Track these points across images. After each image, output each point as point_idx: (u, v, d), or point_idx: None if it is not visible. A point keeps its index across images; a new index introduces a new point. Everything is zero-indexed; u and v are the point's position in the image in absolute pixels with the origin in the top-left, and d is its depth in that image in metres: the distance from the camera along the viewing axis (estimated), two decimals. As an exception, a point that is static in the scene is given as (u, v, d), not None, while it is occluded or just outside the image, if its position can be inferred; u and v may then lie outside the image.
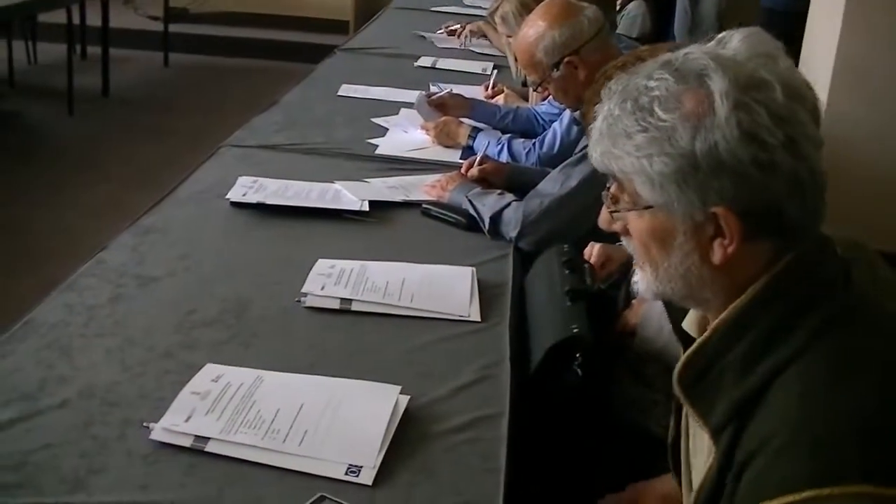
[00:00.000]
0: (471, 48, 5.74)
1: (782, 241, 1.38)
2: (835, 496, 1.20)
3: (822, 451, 1.24)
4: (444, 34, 5.89)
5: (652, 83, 1.37)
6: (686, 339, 1.55)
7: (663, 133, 1.34)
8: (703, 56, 1.37)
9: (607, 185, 1.49)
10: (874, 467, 1.22)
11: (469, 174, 3.21)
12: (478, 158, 3.28)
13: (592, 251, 2.61)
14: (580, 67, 3.00)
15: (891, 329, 1.37)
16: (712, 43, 1.43)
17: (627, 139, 1.37)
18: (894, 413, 1.26)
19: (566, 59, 3.00)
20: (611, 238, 2.49)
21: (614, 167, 1.41)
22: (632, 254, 1.50)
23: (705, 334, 1.43)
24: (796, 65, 1.41)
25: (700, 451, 1.52)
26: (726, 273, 1.39)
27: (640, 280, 1.50)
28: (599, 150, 1.43)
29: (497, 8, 4.28)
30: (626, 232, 1.48)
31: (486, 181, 3.18)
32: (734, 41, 1.41)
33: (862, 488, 1.21)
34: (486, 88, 4.63)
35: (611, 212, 1.48)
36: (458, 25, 5.91)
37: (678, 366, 1.45)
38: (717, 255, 1.37)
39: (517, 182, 3.21)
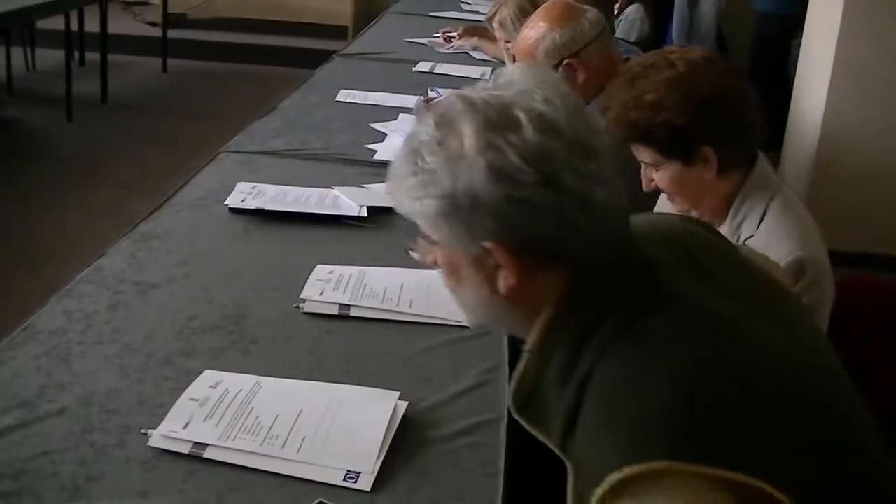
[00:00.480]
0: (467, 51, 5.74)
1: (571, 269, 1.43)
2: (637, 475, 1.25)
3: (624, 435, 1.29)
4: (441, 40, 5.88)
5: (422, 128, 1.44)
6: None
7: (429, 176, 1.40)
8: (458, 100, 1.42)
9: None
10: (672, 443, 1.26)
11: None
12: None
13: None
14: (580, 70, 3.01)
15: (689, 328, 1.40)
16: (489, 81, 1.49)
17: (402, 182, 1.44)
18: (689, 399, 1.30)
19: (566, 62, 3.01)
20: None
21: (401, 209, 1.48)
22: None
23: (523, 361, 1.48)
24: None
25: None
26: (522, 302, 1.46)
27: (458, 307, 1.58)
28: (387, 190, 1.52)
29: (495, 13, 4.28)
30: (434, 265, 1.55)
31: None
32: (513, 75, 1.47)
33: (662, 465, 1.24)
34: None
35: (425, 248, 1.53)
36: (455, 32, 5.90)
37: (511, 391, 1.50)
38: (501, 286, 1.43)
39: None
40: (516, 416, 1.50)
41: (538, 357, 1.45)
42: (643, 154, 2.29)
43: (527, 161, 1.36)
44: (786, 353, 1.44)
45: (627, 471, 1.25)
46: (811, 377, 1.45)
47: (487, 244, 1.40)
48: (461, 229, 1.41)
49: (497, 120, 1.38)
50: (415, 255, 1.59)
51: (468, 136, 1.38)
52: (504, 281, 1.43)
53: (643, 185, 2.33)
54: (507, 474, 1.84)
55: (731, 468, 1.24)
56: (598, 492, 1.28)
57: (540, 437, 1.47)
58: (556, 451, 1.44)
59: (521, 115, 1.38)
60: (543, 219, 1.37)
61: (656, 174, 2.30)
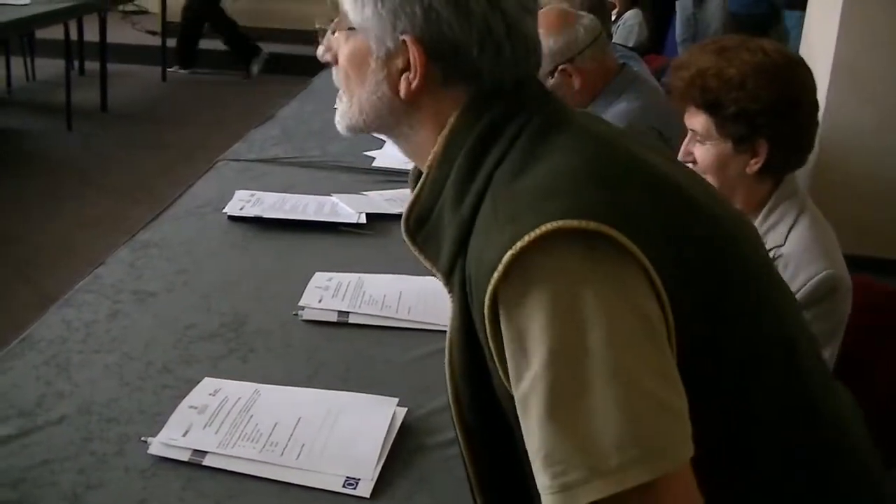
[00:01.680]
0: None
1: (475, 89, 1.41)
2: (540, 235, 1.21)
3: (511, 220, 1.25)
4: None
5: None
6: None
7: None
8: None
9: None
10: (564, 207, 1.23)
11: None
12: None
13: None
14: (575, 75, 3.01)
15: (581, 126, 1.42)
16: None
17: None
18: (578, 168, 1.30)
19: (561, 68, 3.01)
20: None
21: None
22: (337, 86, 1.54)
23: (421, 179, 1.44)
24: None
25: None
26: (419, 109, 1.44)
27: (337, 115, 1.56)
28: None
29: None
30: (335, 59, 1.51)
31: None
32: None
33: (556, 224, 1.21)
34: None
35: (330, 32, 1.52)
36: None
37: (403, 215, 1.46)
38: (402, 89, 1.42)
39: None
40: (406, 240, 1.46)
41: (436, 174, 1.41)
42: (697, 122, 2.27)
43: None
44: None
45: (519, 244, 1.21)
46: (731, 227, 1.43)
47: (406, 37, 1.38)
48: (387, 13, 1.39)
49: None
50: (319, 51, 1.56)
51: None
52: (407, 84, 1.41)
53: (680, 156, 2.30)
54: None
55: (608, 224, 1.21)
56: (489, 288, 1.24)
57: (427, 263, 1.45)
58: (441, 279, 1.41)
59: None
60: (471, 28, 1.37)
61: (700, 148, 2.28)
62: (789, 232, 2.25)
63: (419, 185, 1.44)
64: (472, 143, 1.38)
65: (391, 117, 1.47)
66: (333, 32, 1.51)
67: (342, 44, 1.48)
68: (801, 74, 2.26)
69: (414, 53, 1.39)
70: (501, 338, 1.26)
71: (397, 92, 1.43)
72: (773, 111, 2.18)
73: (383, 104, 1.45)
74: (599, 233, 1.20)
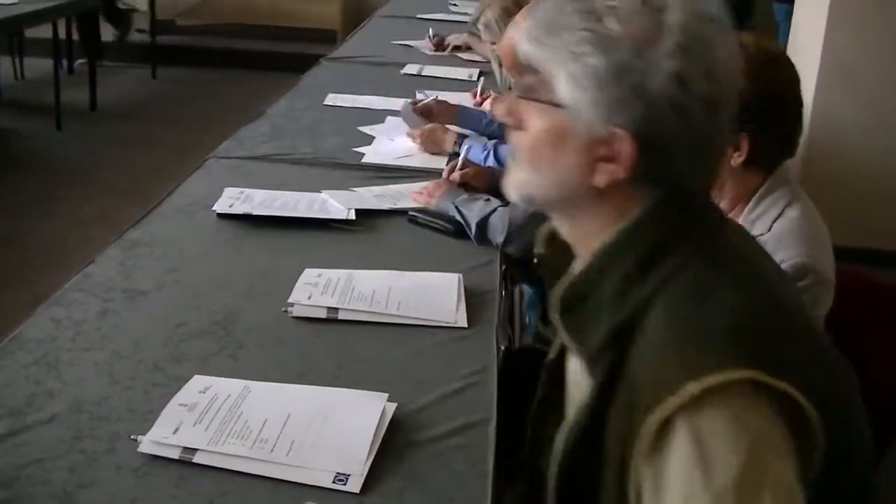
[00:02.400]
0: (457, 55, 5.76)
1: (665, 194, 1.41)
2: (720, 384, 1.23)
3: (696, 348, 1.27)
4: (427, 44, 5.90)
5: None
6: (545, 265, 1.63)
7: (604, 40, 1.34)
8: None
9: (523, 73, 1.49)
10: (752, 355, 1.26)
11: (451, 179, 3.22)
12: (459, 163, 3.29)
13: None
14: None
15: (747, 263, 1.44)
16: None
17: (567, 33, 1.37)
18: (757, 312, 1.33)
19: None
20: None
21: (540, 56, 1.41)
22: (513, 148, 1.52)
23: (587, 261, 1.45)
24: None
25: (573, 397, 1.54)
26: (605, 199, 1.43)
27: (511, 179, 1.53)
28: (531, 36, 1.42)
29: (480, 15, 4.30)
30: (520, 125, 1.48)
31: (468, 185, 3.19)
32: None
33: (745, 373, 1.24)
34: (475, 96, 4.64)
35: (519, 97, 1.47)
36: (450, 38, 5.92)
37: (558, 292, 1.47)
38: (601, 178, 1.40)
39: (501, 186, 3.22)
40: (555, 314, 1.47)
41: (602, 263, 1.42)
42: None
43: (707, 79, 1.35)
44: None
45: (710, 380, 1.24)
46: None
47: (621, 130, 1.36)
48: (606, 102, 1.36)
49: (700, 31, 1.36)
50: (495, 104, 1.53)
51: (671, 28, 1.35)
52: (607, 175, 1.39)
53: None
54: (495, 475, 1.85)
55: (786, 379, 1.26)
56: (664, 408, 1.26)
57: (571, 342, 1.45)
58: (583, 360, 1.42)
59: (719, 42, 1.38)
60: (683, 133, 1.36)
61: None
62: (775, 220, 2.26)
63: (582, 269, 1.45)
64: (648, 247, 1.39)
65: (573, 200, 1.46)
66: (524, 97, 1.47)
67: (537, 115, 1.44)
68: (782, 69, 2.26)
69: (626, 148, 1.37)
70: (647, 444, 1.29)
71: (590, 177, 1.41)
72: (755, 108, 2.17)
73: (571, 187, 1.44)
74: (784, 393, 1.26)
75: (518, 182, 1.52)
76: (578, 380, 1.51)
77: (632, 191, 1.41)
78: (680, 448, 1.25)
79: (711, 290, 1.34)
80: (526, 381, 2.33)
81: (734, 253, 1.44)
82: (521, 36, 1.44)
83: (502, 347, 2.34)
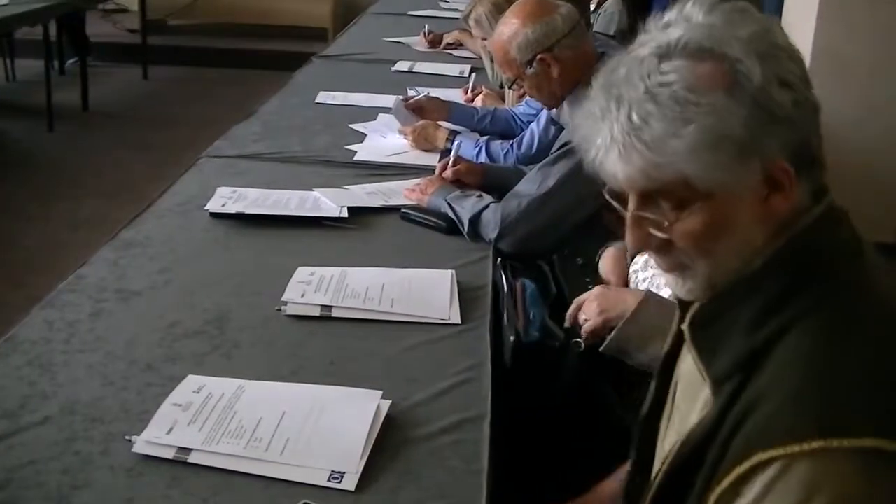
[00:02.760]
0: (449, 52, 5.77)
1: (812, 180, 1.38)
2: (843, 449, 1.20)
3: (831, 403, 1.23)
4: (422, 41, 5.90)
5: (668, 76, 1.31)
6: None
7: (711, 115, 1.29)
8: (692, 32, 1.34)
9: (629, 210, 1.40)
10: (883, 422, 1.22)
11: (443, 175, 3.22)
12: (451, 159, 3.29)
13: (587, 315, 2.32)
14: (553, 65, 3.00)
15: (889, 300, 1.37)
16: (677, 25, 1.38)
17: (675, 138, 1.29)
18: (889, 384, 1.26)
19: (539, 57, 3.00)
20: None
21: (660, 176, 1.33)
22: (670, 264, 1.44)
23: (728, 283, 1.39)
24: None
25: (679, 419, 1.51)
26: (773, 225, 1.37)
27: (682, 283, 1.44)
28: (636, 167, 1.33)
29: (471, 11, 4.30)
30: (665, 245, 1.40)
31: (460, 182, 3.19)
32: (698, 14, 1.38)
33: (871, 442, 1.20)
34: (466, 92, 4.64)
35: (658, 227, 1.38)
36: (444, 36, 5.93)
37: (693, 310, 1.45)
38: (780, 209, 1.35)
39: (493, 182, 3.23)
40: (686, 330, 1.44)
41: (745, 287, 1.36)
42: None
43: (793, 62, 1.34)
44: None
45: (835, 443, 1.19)
46: None
47: (774, 164, 1.31)
48: (755, 158, 1.30)
49: (751, 35, 1.33)
50: (632, 245, 1.44)
51: (740, 55, 1.30)
52: (783, 202, 1.34)
53: None
54: (490, 471, 1.85)
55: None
56: (772, 453, 1.23)
57: (698, 360, 1.42)
58: (707, 379, 1.39)
59: (761, 26, 1.35)
60: (809, 118, 1.34)
61: None
62: None
63: (722, 290, 1.40)
64: (793, 276, 1.35)
65: (750, 252, 1.38)
66: (662, 221, 1.37)
67: (691, 217, 1.35)
68: None
69: (785, 172, 1.32)
70: (735, 477, 1.27)
71: (765, 221, 1.36)
72: None
73: (751, 242, 1.37)
74: None
75: (703, 279, 1.41)
76: (692, 381, 1.48)
77: (790, 203, 1.36)
78: (785, 493, 1.23)
79: (850, 336, 1.29)
80: (535, 374, 2.34)
81: (877, 286, 1.38)
82: (634, 174, 1.34)
83: (511, 339, 2.34)
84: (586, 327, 2.22)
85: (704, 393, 1.41)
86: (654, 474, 1.51)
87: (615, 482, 1.93)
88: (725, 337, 1.38)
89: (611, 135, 1.34)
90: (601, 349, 2.15)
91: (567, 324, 2.28)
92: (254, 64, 9.60)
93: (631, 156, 1.32)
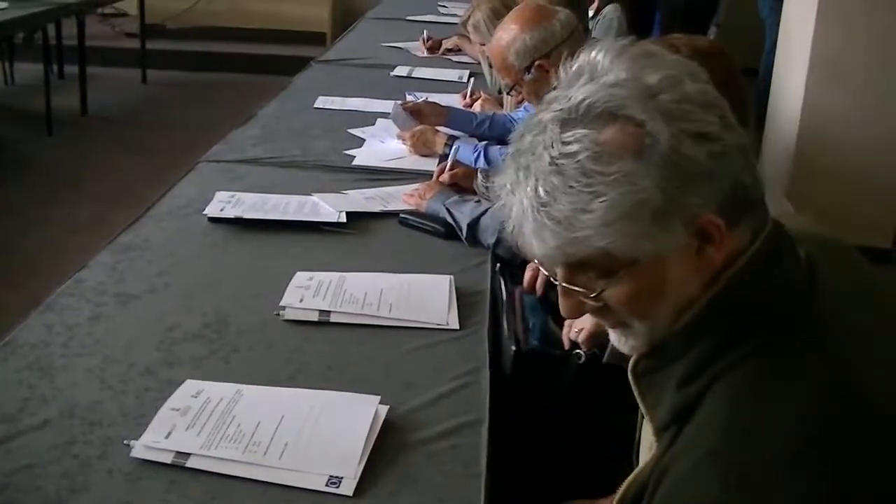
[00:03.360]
0: (447, 57, 5.78)
1: (750, 222, 1.32)
2: None
3: (740, 463, 1.20)
4: (421, 46, 5.91)
5: (571, 147, 1.25)
6: None
7: (620, 184, 1.23)
8: (594, 94, 1.28)
9: (557, 282, 1.37)
10: (792, 498, 1.17)
11: (440, 179, 3.22)
12: (448, 164, 3.29)
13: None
14: (552, 71, 3.01)
15: (836, 348, 1.30)
16: (581, 80, 1.32)
17: (586, 213, 1.24)
18: (812, 444, 1.20)
19: (537, 63, 3.01)
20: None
21: (576, 252, 1.29)
22: (611, 322, 1.41)
23: (670, 334, 1.35)
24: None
25: (645, 446, 1.50)
26: (708, 273, 1.32)
27: (625, 340, 1.41)
28: (550, 245, 1.29)
29: (469, 17, 4.31)
30: (602, 309, 1.36)
31: (458, 186, 3.19)
32: (605, 64, 1.32)
33: None
34: (465, 97, 4.65)
35: (589, 298, 1.34)
36: (443, 41, 5.94)
37: (633, 361, 1.42)
38: (715, 259, 1.30)
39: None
40: (630, 377, 1.42)
41: (682, 341, 1.33)
42: None
43: (705, 110, 1.27)
44: None
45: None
46: None
47: (700, 220, 1.26)
48: (676, 220, 1.25)
49: (657, 89, 1.26)
50: (562, 309, 1.39)
51: (644, 116, 1.24)
52: (716, 253, 1.29)
53: None
54: (489, 476, 1.85)
55: None
56: None
57: (642, 406, 1.41)
58: (652, 428, 1.38)
59: (674, 72, 1.29)
60: (734, 164, 1.28)
61: None
62: None
63: (665, 341, 1.36)
64: (725, 324, 1.31)
65: (686, 302, 1.33)
66: (590, 291, 1.33)
67: (621, 285, 1.31)
68: (716, 63, 2.25)
69: (714, 225, 1.28)
70: None
71: (701, 272, 1.31)
72: None
73: (687, 295, 1.33)
74: None
75: (644, 337, 1.38)
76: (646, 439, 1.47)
77: (730, 240, 1.31)
78: None
79: (777, 393, 1.24)
80: (535, 383, 2.33)
81: (824, 322, 1.32)
82: (550, 252, 1.30)
83: (513, 349, 2.34)
84: (583, 335, 2.22)
85: (649, 435, 1.41)
86: None
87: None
88: (664, 388, 1.35)
89: (522, 209, 1.30)
90: (604, 360, 2.15)
91: (566, 346, 2.28)
92: (252, 68, 9.60)
93: (543, 234, 1.28)
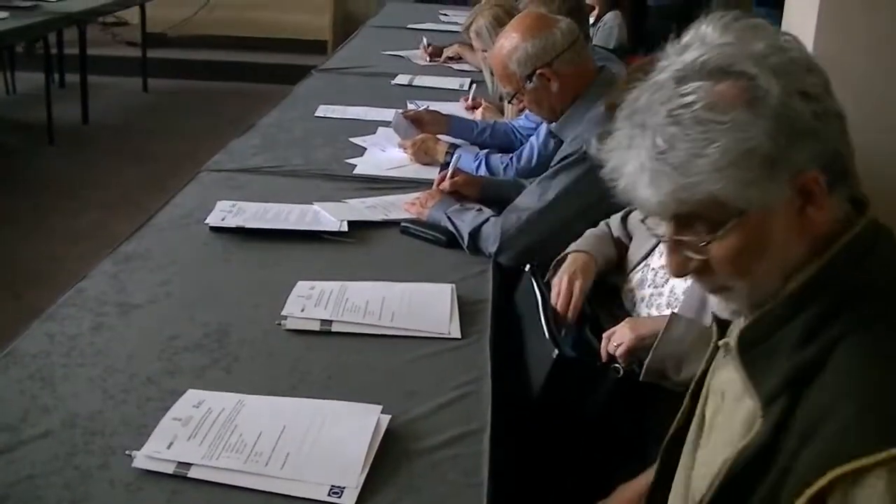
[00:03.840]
0: (448, 65, 5.78)
1: (845, 191, 1.39)
2: None
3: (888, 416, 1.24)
4: (422, 54, 5.92)
5: (687, 98, 1.33)
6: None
7: (733, 131, 1.30)
8: (708, 52, 1.36)
9: (665, 235, 1.41)
10: None
11: (441, 187, 3.22)
12: (449, 171, 3.29)
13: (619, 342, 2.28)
14: (553, 79, 3.01)
15: None
16: (693, 46, 1.40)
17: (700, 158, 1.30)
18: None
19: (539, 71, 3.01)
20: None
21: (689, 197, 1.33)
22: (712, 286, 1.45)
23: (771, 303, 1.40)
24: None
25: (717, 437, 1.50)
26: (810, 237, 1.37)
27: (726, 305, 1.46)
28: (665, 192, 1.34)
29: (471, 23, 4.31)
30: (705, 267, 1.40)
31: (458, 193, 3.19)
32: (713, 33, 1.39)
33: None
34: (466, 100, 4.66)
35: (695, 249, 1.39)
36: (444, 49, 5.95)
37: (741, 327, 1.44)
38: (815, 221, 1.35)
39: (491, 194, 3.24)
40: (734, 348, 1.44)
41: (792, 305, 1.36)
42: None
43: (810, 73, 1.36)
44: None
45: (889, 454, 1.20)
46: None
47: (805, 176, 1.32)
48: (783, 171, 1.31)
49: (767, 50, 1.34)
50: (674, 268, 1.44)
51: (757, 72, 1.31)
52: (817, 213, 1.35)
53: None
54: (491, 484, 1.85)
55: None
56: (847, 468, 1.22)
57: (745, 378, 1.41)
58: (756, 396, 1.38)
59: (781, 41, 1.39)
60: (834, 129, 1.36)
61: None
62: None
63: (770, 307, 1.40)
64: (838, 291, 1.35)
65: (791, 264, 1.39)
66: (696, 243, 1.38)
67: (719, 244, 1.36)
68: None
69: (817, 183, 1.33)
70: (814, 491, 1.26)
71: (803, 233, 1.37)
72: None
73: (791, 256, 1.38)
74: None
75: (745, 299, 1.42)
76: (730, 399, 1.47)
77: (829, 209, 1.37)
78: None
79: None
80: (570, 392, 2.31)
81: None
82: (665, 199, 1.35)
83: (555, 352, 2.31)
84: (621, 350, 2.21)
85: (746, 410, 1.41)
86: (700, 493, 1.47)
87: (638, 485, 1.93)
88: (774, 354, 1.38)
89: (639, 162, 1.35)
90: (641, 377, 2.15)
91: (603, 360, 2.27)
92: (253, 77, 9.62)
93: (660, 181, 1.33)
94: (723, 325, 1.53)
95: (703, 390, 1.61)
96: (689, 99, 1.32)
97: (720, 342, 1.52)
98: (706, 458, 1.51)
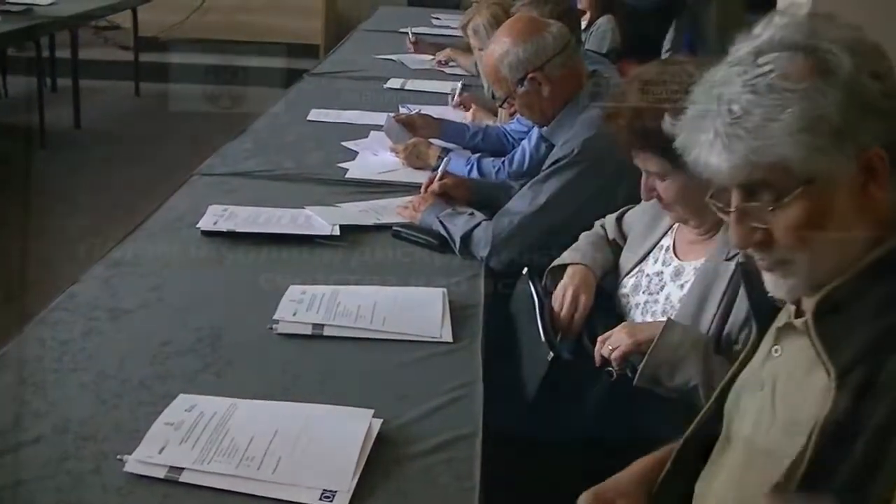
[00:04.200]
0: (440, 69, 5.79)
1: None
2: None
3: None
4: (408, 45, 5.93)
5: (764, 68, 1.39)
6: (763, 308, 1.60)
7: (806, 99, 1.36)
8: (784, 30, 1.43)
9: (732, 205, 1.47)
10: None
11: (430, 189, 3.22)
12: (438, 174, 3.29)
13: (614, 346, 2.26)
14: (544, 84, 3.02)
15: None
16: (767, 26, 1.46)
17: (773, 122, 1.37)
18: None
19: (530, 76, 3.02)
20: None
21: (761, 159, 1.39)
22: (771, 261, 1.48)
23: (850, 272, 1.43)
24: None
25: (784, 421, 1.49)
26: (871, 216, 1.42)
27: (784, 281, 1.49)
28: (738, 154, 1.40)
29: (469, 21, 4.32)
30: (768, 239, 1.45)
31: (448, 196, 3.19)
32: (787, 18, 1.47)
33: None
34: (453, 99, 4.68)
35: (761, 218, 1.44)
36: (437, 53, 5.96)
37: (818, 298, 1.45)
38: (876, 199, 1.40)
39: (481, 197, 3.24)
40: (810, 321, 1.45)
41: (871, 273, 1.41)
42: (649, 164, 2.24)
43: (881, 56, 1.42)
44: None
45: None
46: None
47: (870, 151, 1.38)
48: (849, 143, 1.37)
49: (841, 32, 1.43)
50: (736, 240, 1.49)
51: (833, 48, 1.39)
52: (878, 191, 1.40)
53: (643, 195, 2.30)
54: (482, 489, 1.85)
55: None
56: None
57: (819, 347, 1.43)
58: (832, 370, 1.39)
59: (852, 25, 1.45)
60: None
61: (661, 185, 2.25)
62: None
63: (845, 278, 1.43)
64: None
65: (850, 242, 1.43)
66: (764, 208, 1.43)
67: (785, 214, 1.42)
68: None
69: (880, 160, 1.39)
70: None
71: (864, 210, 1.41)
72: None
73: (851, 231, 1.42)
74: None
75: (804, 275, 1.46)
76: (796, 374, 1.48)
77: (890, 190, 1.42)
78: None
79: None
80: (564, 395, 2.32)
81: None
82: (737, 162, 1.41)
83: (550, 355, 2.32)
84: (616, 353, 2.20)
85: (817, 384, 1.42)
86: (778, 475, 1.45)
87: (652, 459, 1.90)
88: (851, 324, 1.41)
89: (714, 130, 1.41)
90: (635, 382, 2.15)
91: (597, 364, 2.27)
92: (245, 81, 9.58)
93: (734, 144, 1.39)
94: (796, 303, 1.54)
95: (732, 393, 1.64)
96: (766, 69, 1.39)
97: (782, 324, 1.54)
98: (771, 446, 1.50)
